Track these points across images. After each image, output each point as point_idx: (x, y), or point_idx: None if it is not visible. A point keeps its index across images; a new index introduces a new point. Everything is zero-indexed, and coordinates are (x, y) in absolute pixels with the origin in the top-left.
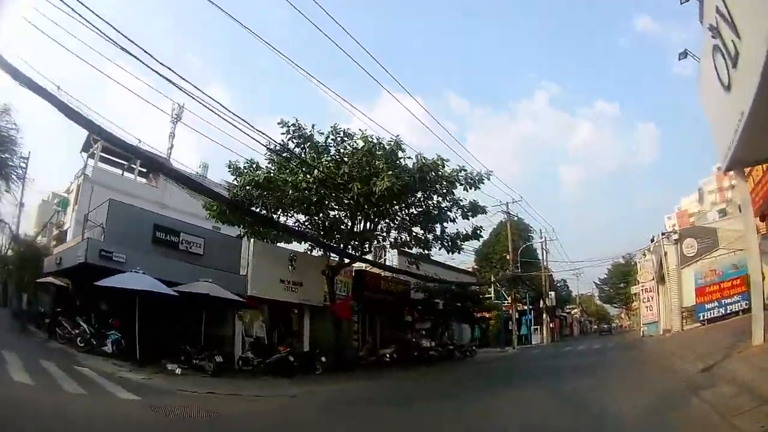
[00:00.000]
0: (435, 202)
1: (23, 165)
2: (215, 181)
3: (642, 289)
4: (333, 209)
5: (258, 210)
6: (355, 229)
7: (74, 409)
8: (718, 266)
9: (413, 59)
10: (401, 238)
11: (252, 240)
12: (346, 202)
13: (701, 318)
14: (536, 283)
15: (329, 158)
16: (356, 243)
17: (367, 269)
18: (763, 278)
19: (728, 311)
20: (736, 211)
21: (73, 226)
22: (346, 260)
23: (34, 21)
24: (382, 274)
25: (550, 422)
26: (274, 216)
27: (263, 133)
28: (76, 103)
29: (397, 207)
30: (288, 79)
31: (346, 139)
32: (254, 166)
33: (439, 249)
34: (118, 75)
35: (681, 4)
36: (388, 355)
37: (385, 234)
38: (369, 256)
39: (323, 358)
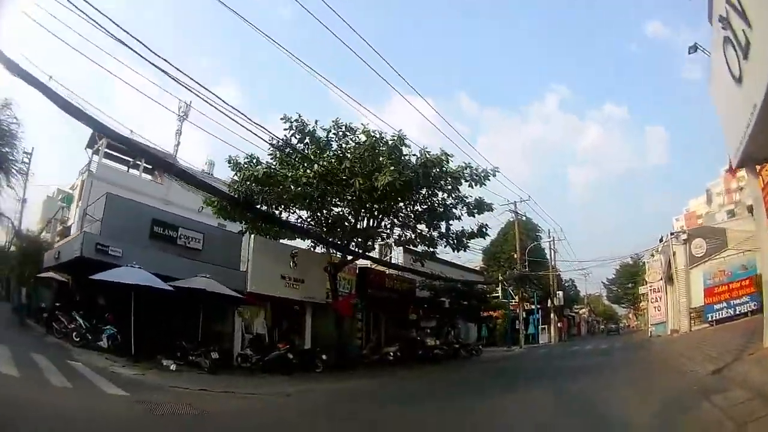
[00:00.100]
0: (440, 199)
1: (26, 160)
2: (221, 178)
3: (650, 289)
4: (336, 206)
5: (259, 206)
6: (359, 226)
7: (54, 403)
8: (727, 267)
9: (423, 61)
10: (406, 235)
11: (252, 236)
12: (349, 197)
13: (710, 319)
14: (544, 282)
15: (331, 153)
16: (360, 240)
17: (372, 267)
18: None
19: (737, 312)
20: (744, 211)
21: (77, 221)
22: (349, 257)
23: (44, 21)
24: (387, 271)
25: (555, 428)
26: (276, 212)
27: (264, 128)
28: (81, 101)
29: (401, 204)
30: (289, 79)
31: (348, 133)
32: (254, 161)
33: (445, 246)
34: (129, 76)
35: None
36: (391, 354)
37: (389, 231)
38: (375, 254)
39: (324, 356)
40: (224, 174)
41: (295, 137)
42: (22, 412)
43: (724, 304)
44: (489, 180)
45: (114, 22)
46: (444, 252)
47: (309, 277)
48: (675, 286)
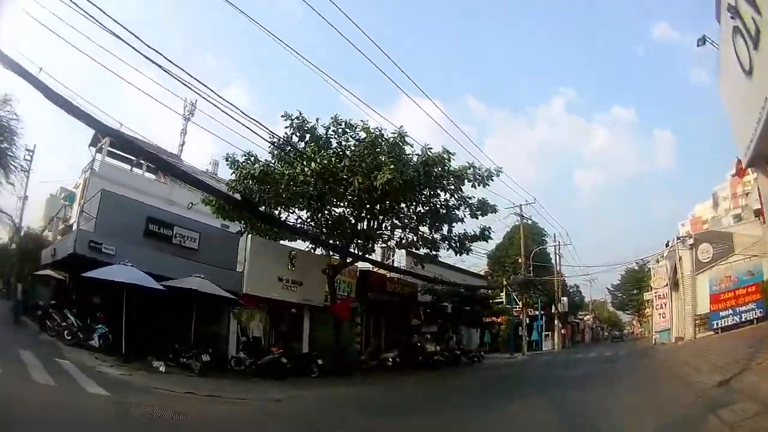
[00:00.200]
0: (442, 200)
1: (27, 158)
2: (224, 178)
3: (655, 296)
4: (336, 206)
5: (258, 205)
6: (359, 227)
7: (28, 399)
8: (734, 272)
9: (430, 63)
10: (407, 237)
11: (249, 236)
12: (349, 197)
13: (715, 326)
14: (549, 288)
15: (330, 151)
16: (360, 242)
17: (373, 270)
18: None
19: (742, 319)
20: (751, 215)
21: (78, 219)
22: (348, 260)
23: (43, 21)
24: (388, 275)
25: None
26: (275, 212)
27: (265, 127)
28: (84, 101)
29: (403, 204)
30: (298, 83)
31: (348, 130)
32: (252, 159)
33: (447, 250)
34: (135, 77)
35: None
36: (390, 359)
37: (390, 233)
38: (377, 257)
39: (320, 361)
40: (228, 174)
41: (296, 135)
42: None
43: (730, 311)
44: (492, 180)
45: (116, 22)
46: (447, 256)
47: (307, 279)
48: (680, 292)
